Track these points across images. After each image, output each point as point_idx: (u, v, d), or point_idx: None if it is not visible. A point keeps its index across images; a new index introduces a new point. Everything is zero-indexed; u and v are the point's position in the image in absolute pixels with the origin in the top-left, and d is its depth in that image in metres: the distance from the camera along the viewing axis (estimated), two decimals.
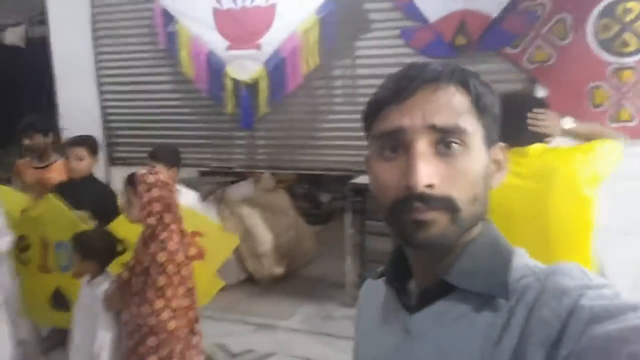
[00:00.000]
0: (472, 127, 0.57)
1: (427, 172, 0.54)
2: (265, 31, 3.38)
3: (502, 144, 0.64)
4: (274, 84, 3.44)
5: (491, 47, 3.02)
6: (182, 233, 2.07)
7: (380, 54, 3.26)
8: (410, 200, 0.55)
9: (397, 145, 0.58)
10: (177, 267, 2.00)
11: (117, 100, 3.99)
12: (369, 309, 0.73)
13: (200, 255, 2.57)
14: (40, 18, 4.17)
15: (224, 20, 3.48)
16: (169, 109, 3.84)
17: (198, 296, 2.43)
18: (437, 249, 0.58)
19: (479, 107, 0.58)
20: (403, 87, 0.58)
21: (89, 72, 3.94)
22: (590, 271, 0.54)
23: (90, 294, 2.16)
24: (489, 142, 0.60)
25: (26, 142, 3.01)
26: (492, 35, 2.97)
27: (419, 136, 0.56)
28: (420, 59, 3.12)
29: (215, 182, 4.67)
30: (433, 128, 0.56)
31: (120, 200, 2.18)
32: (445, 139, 0.56)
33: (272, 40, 3.38)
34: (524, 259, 0.59)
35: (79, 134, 2.86)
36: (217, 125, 3.75)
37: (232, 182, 4.79)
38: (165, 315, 1.97)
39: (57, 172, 3.01)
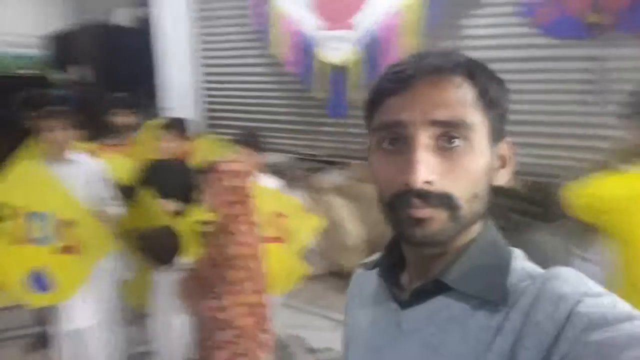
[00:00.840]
0: (477, 121, 0.54)
1: (426, 169, 0.52)
2: (359, 9, 3.13)
3: (509, 139, 0.60)
4: (367, 68, 3.19)
5: (634, 28, 2.49)
6: (255, 225, 1.96)
7: (493, 34, 2.87)
8: (408, 196, 0.53)
9: (396, 138, 0.56)
10: (248, 261, 1.91)
11: (216, 82, 4.04)
12: (360, 297, 0.72)
13: (283, 238, 2.50)
14: None
15: None
16: (261, 92, 3.80)
17: (281, 281, 2.34)
18: (434, 246, 0.56)
19: (485, 101, 0.55)
20: (404, 78, 0.55)
21: (191, 54, 4.02)
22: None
23: (165, 280, 2.16)
24: (495, 138, 0.57)
25: (113, 118, 3.05)
26: (637, 14, 2.44)
27: (418, 131, 0.54)
28: (542, 40, 2.73)
29: (307, 167, 4.57)
30: (434, 122, 0.53)
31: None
32: (447, 134, 0.54)
33: (366, 19, 3.12)
34: (521, 262, 0.58)
35: (181, 114, 2.88)
36: (306, 111, 3.62)
37: (325, 168, 4.65)
38: (234, 311, 1.90)
39: (133, 149, 3.03)
